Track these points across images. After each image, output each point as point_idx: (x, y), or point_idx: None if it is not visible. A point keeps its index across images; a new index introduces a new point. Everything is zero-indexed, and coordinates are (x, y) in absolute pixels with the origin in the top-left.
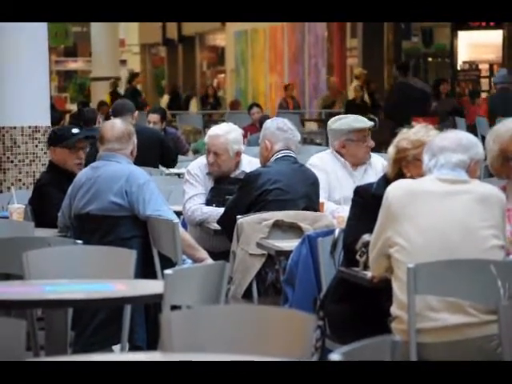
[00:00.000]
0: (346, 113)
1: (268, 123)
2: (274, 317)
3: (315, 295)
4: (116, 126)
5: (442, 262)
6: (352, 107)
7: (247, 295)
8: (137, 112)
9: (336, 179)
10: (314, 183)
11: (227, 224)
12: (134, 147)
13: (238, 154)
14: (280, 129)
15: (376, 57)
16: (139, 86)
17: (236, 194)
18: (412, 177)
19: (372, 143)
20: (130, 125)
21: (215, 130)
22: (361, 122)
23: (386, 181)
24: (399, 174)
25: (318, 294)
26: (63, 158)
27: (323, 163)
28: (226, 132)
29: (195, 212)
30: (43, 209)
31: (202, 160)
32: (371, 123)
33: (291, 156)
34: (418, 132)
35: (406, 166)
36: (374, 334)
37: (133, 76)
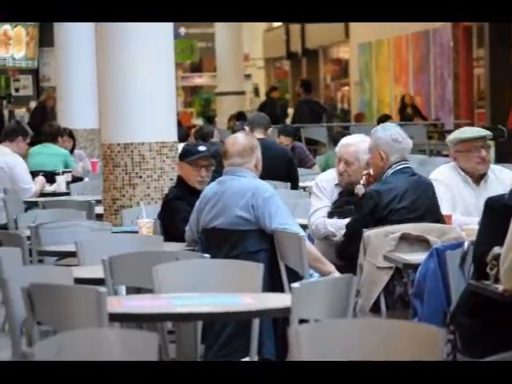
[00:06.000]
0: None
1: (380, 132)
2: (403, 330)
3: (445, 309)
4: (238, 140)
5: None
6: None
7: (375, 309)
8: (270, 129)
9: (458, 193)
10: (433, 192)
11: (347, 246)
12: (257, 161)
13: (369, 164)
14: (395, 140)
15: (504, 66)
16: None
17: (359, 212)
18: None
19: (484, 154)
20: (253, 138)
21: (347, 140)
22: (468, 132)
23: None
24: None
25: (447, 307)
26: (186, 174)
27: (445, 177)
28: (357, 141)
29: (319, 225)
30: (171, 223)
31: (330, 173)
32: (480, 134)
33: (409, 167)
34: None
35: None
36: (508, 349)
37: (271, 89)
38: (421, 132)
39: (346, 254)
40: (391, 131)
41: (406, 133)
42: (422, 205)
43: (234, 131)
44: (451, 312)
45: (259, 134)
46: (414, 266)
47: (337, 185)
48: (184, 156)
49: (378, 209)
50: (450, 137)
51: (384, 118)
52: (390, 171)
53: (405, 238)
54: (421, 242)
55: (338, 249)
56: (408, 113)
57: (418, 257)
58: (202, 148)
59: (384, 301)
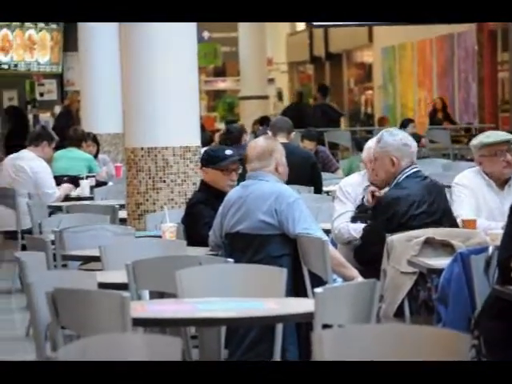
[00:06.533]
0: None
1: (389, 138)
2: (427, 336)
3: (469, 314)
4: (257, 144)
5: None
6: None
7: (399, 314)
8: (293, 133)
9: (482, 198)
10: (445, 195)
11: (364, 250)
12: (277, 163)
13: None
14: (405, 144)
15: None
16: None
17: (375, 219)
18: None
19: (510, 157)
20: (273, 142)
21: (373, 141)
22: (492, 136)
23: None
24: None
25: (471, 312)
26: (215, 180)
27: (469, 181)
28: None
29: (342, 230)
30: (195, 227)
31: (354, 178)
32: (505, 138)
33: (420, 170)
34: None
35: None
36: None
37: (297, 94)
38: (445, 136)
39: (362, 258)
40: (400, 136)
41: (430, 137)
42: (439, 208)
43: (256, 136)
44: (475, 317)
45: (282, 139)
46: (438, 271)
47: (366, 188)
48: (212, 162)
49: (396, 216)
50: (474, 141)
51: (406, 122)
52: (402, 176)
53: (429, 243)
54: (445, 246)
55: (354, 253)
56: (438, 118)
57: (442, 261)
58: (229, 152)
59: (408, 306)
